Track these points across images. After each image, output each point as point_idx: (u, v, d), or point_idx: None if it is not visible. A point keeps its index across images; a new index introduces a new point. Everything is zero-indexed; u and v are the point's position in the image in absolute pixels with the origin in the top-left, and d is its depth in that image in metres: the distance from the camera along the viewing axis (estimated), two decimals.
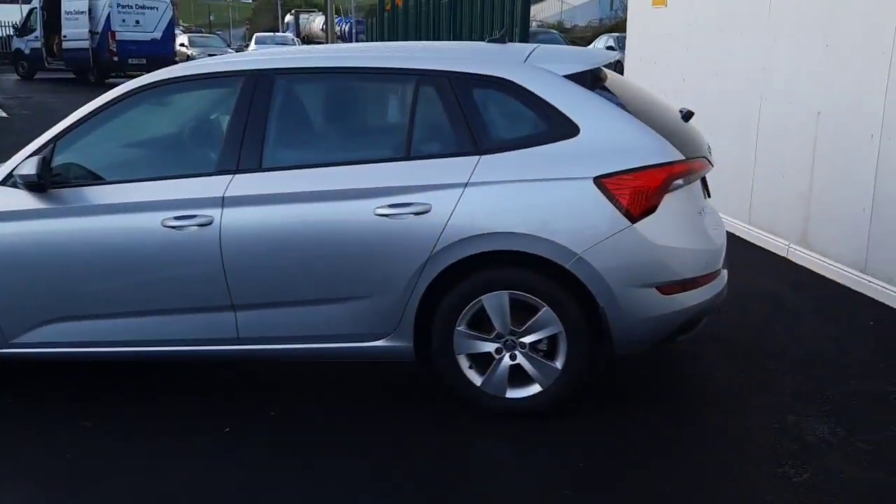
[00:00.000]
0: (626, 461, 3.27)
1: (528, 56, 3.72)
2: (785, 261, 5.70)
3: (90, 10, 22.48)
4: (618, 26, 27.80)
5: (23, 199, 3.66)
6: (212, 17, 73.99)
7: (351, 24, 38.52)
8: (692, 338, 4.05)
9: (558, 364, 3.52)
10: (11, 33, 26.61)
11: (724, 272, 3.81)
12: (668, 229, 3.44)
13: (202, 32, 43.28)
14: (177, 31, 32.21)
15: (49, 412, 3.79)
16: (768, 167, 5.94)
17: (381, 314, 3.56)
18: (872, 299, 4.87)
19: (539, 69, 3.59)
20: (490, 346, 3.56)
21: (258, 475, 3.22)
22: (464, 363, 3.61)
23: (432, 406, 3.72)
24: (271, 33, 30.51)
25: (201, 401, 3.87)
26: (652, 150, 3.43)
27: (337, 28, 38.10)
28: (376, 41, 16.12)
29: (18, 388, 4.02)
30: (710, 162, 3.76)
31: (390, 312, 3.54)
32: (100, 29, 22.36)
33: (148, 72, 4.70)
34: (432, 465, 3.28)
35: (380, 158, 3.58)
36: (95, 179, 3.75)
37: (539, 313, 3.47)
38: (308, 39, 43.95)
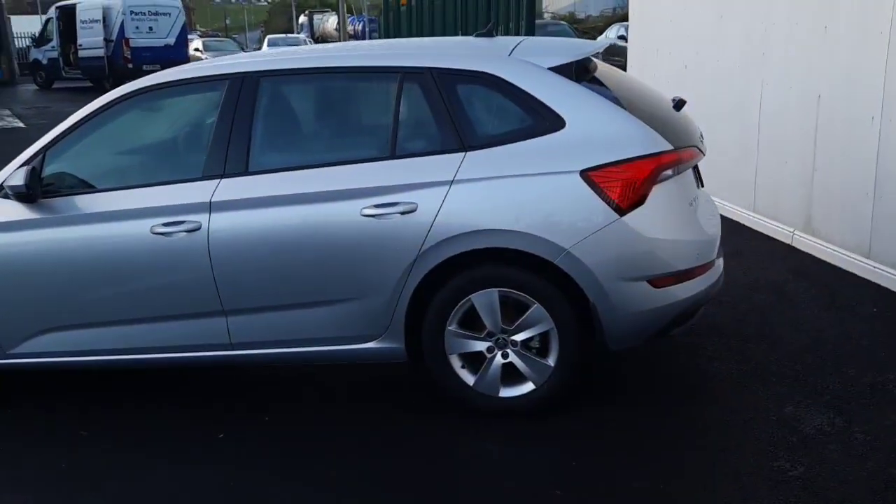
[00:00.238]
0: (620, 457, 3.23)
1: (512, 50, 3.68)
2: (789, 248, 5.62)
3: (104, 18, 22.68)
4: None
5: (14, 210, 3.68)
6: (228, 21, 74.45)
7: (364, 22, 38.53)
8: (690, 329, 4.02)
9: (550, 361, 3.49)
10: (29, 44, 26.90)
11: (720, 261, 3.75)
12: (658, 221, 3.39)
13: (218, 36, 43.49)
14: (192, 36, 32.44)
15: (47, 421, 3.82)
16: (770, 153, 5.85)
17: (371, 316, 3.54)
18: (877, 285, 4.78)
19: (523, 62, 3.55)
20: (481, 345, 3.53)
21: (251, 480, 3.22)
22: (456, 363, 3.58)
23: (425, 407, 3.70)
24: (283, 35, 30.58)
25: (195, 407, 3.88)
26: (639, 141, 3.38)
27: (350, 27, 38.16)
28: (389, 38, 16.15)
29: (19, 398, 4.04)
30: (701, 151, 3.71)
31: (380, 314, 3.52)
32: (114, 36, 22.54)
33: None
34: (424, 467, 3.27)
35: (365, 158, 3.56)
36: (85, 188, 3.76)
37: (529, 310, 3.44)
38: (323, 39, 44.00)
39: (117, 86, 3.95)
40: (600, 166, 3.33)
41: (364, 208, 3.42)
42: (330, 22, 45.94)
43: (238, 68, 3.72)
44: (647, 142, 3.38)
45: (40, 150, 3.74)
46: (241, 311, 3.63)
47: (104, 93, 3.90)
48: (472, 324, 3.52)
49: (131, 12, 22.64)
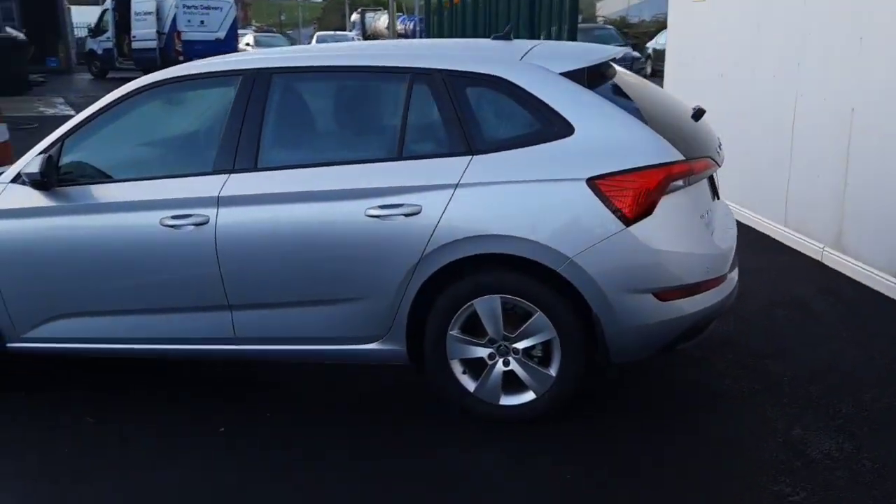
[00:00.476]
0: (618, 471, 3.16)
1: (525, 53, 3.63)
2: (818, 264, 5.46)
3: (157, 10, 23.10)
4: None
5: (31, 197, 3.73)
6: (282, 17, 75.27)
7: (415, 21, 38.59)
8: (702, 344, 3.93)
9: (552, 371, 3.43)
10: (86, 34, 27.52)
11: (733, 275, 3.65)
12: (666, 233, 3.30)
13: (272, 32, 43.99)
14: (245, 31, 32.84)
15: (57, 407, 3.87)
16: (803, 166, 5.69)
17: (373, 317, 3.51)
18: None
19: (534, 67, 3.50)
20: (483, 352, 3.49)
21: (244, 477, 3.22)
22: (457, 368, 3.54)
23: (426, 411, 3.67)
24: (333, 32, 30.80)
25: (201, 398, 3.90)
26: (649, 150, 3.30)
27: (401, 26, 38.24)
28: (435, 38, 16.21)
29: (33, 383, 4.11)
30: (716, 162, 3.61)
31: (382, 315, 3.50)
32: (166, 29, 22.96)
33: None
34: (421, 471, 3.23)
35: (373, 158, 3.54)
36: (100, 177, 3.81)
37: (532, 318, 3.38)
38: (374, 37, 44.22)
39: None
40: (607, 175, 3.26)
41: (369, 209, 3.40)
42: (381, 20, 46.12)
43: (251, 64, 3.73)
44: (657, 151, 3.30)
45: (58, 138, 3.79)
46: (245, 306, 3.64)
47: None
48: (474, 329, 3.47)
49: (184, 6, 23.03)
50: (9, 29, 19.71)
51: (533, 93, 3.41)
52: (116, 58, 24.58)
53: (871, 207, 4.94)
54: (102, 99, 3.83)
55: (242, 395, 3.94)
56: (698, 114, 3.91)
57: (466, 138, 3.41)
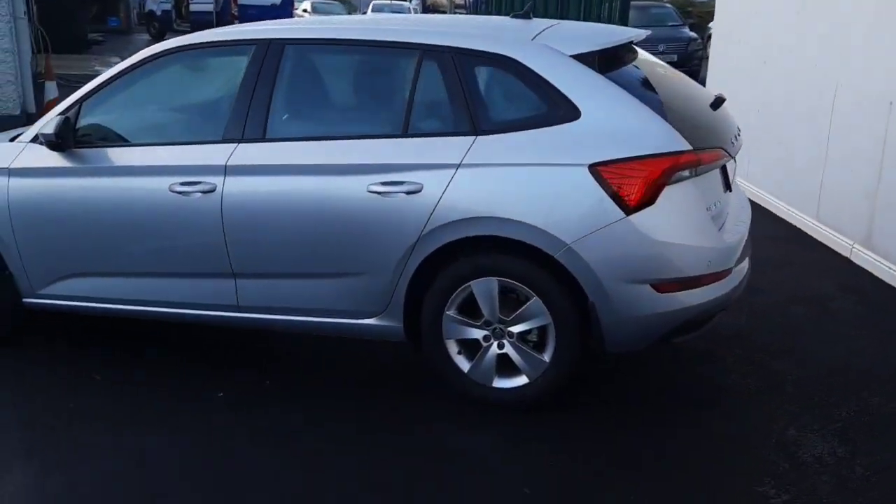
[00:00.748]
0: (599, 464, 3.14)
1: (538, 34, 3.57)
2: (847, 262, 5.30)
3: None
4: None
5: (48, 157, 3.81)
6: None
7: None
8: (709, 337, 3.87)
9: (546, 357, 3.40)
10: None
11: (740, 268, 3.55)
12: (668, 224, 3.24)
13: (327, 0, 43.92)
14: None
15: (70, 363, 3.98)
16: (839, 160, 5.51)
17: (371, 292, 3.53)
18: None
19: (544, 47, 3.44)
20: (478, 333, 3.48)
21: (234, 443, 3.28)
22: (452, 348, 3.54)
23: (425, 389, 3.68)
24: (389, 1, 30.65)
25: (204, 363, 3.98)
26: (655, 138, 3.23)
27: None
28: (492, 13, 16.06)
29: (51, 338, 4.24)
30: (729, 153, 3.51)
31: (381, 291, 3.51)
32: None
33: None
34: (417, 447, 3.25)
35: (379, 134, 3.53)
36: (115, 141, 3.87)
37: (528, 303, 3.36)
38: (433, 9, 43.91)
39: None
40: (610, 161, 3.20)
41: (371, 185, 3.40)
42: None
43: (265, 34, 3.74)
44: (663, 139, 3.22)
45: (76, 101, 3.86)
46: (249, 274, 3.68)
47: None
48: (471, 311, 3.46)
49: None
50: None
51: (541, 74, 3.35)
52: (174, 19, 24.88)
53: None
54: (121, 63, 3.88)
55: (244, 364, 4.00)
56: (717, 102, 3.81)
57: (472, 118, 3.38)
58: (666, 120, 3.27)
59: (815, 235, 5.79)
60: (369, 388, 3.74)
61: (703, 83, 8.15)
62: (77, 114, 3.83)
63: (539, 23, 3.86)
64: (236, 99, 3.67)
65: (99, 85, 3.87)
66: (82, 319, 4.22)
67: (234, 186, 3.58)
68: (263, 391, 3.71)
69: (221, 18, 23.07)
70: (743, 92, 6.99)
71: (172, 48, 3.83)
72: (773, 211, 6.45)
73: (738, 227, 3.67)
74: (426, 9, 42.30)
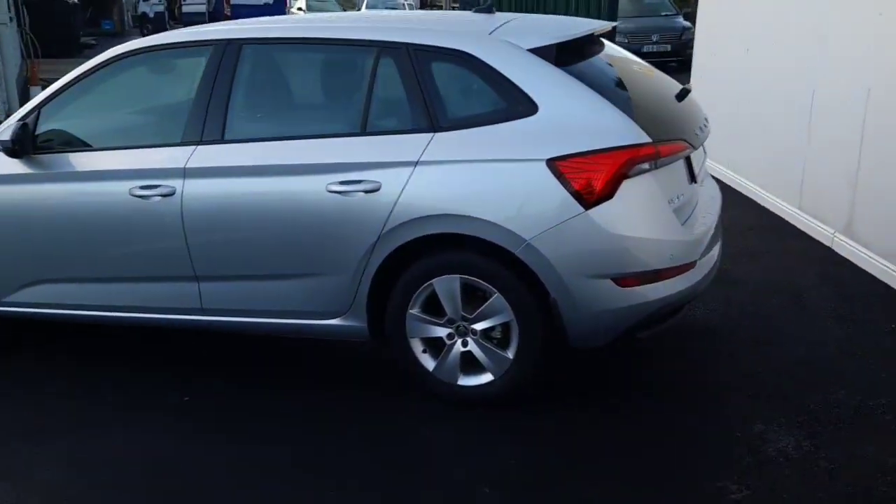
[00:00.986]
0: (561, 459, 3.11)
1: (496, 28, 3.53)
2: (828, 251, 5.23)
3: None
4: None
5: (7, 164, 3.78)
6: None
7: None
8: (681, 329, 3.84)
9: (510, 354, 3.37)
10: None
11: (707, 260, 3.51)
12: (628, 217, 3.20)
13: None
14: None
15: (37, 367, 3.97)
16: (820, 148, 5.45)
17: (334, 292, 3.50)
18: None
19: (502, 42, 3.40)
20: (442, 331, 3.45)
21: (201, 446, 3.26)
22: (417, 347, 3.51)
23: (388, 389, 3.65)
24: None
25: (171, 368, 3.95)
26: (613, 132, 3.19)
27: None
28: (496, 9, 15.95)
29: (24, 343, 4.23)
30: (691, 145, 3.45)
31: (343, 291, 3.48)
32: None
33: None
34: (373, 450, 3.22)
35: (338, 133, 3.49)
36: (74, 146, 3.84)
37: (490, 300, 3.32)
38: (431, 4, 43.78)
39: None
40: (568, 156, 3.16)
41: (330, 184, 3.37)
42: None
43: (223, 34, 3.70)
44: (622, 132, 3.18)
45: (35, 106, 3.83)
46: (212, 277, 3.65)
47: None
48: (434, 309, 3.43)
49: None
50: None
51: (498, 69, 3.31)
52: (167, 21, 24.87)
53: (882, 194, 4.71)
54: (79, 67, 3.85)
55: (212, 367, 3.97)
56: (682, 94, 3.77)
57: (429, 114, 3.34)
58: (625, 112, 3.23)
59: (797, 224, 5.73)
60: (333, 385, 3.71)
61: None
62: (36, 119, 3.79)
63: (499, 17, 3.81)
64: (194, 101, 3.64)
65: (58, 90, 3.84)
66: (44, 326, 4.20)
67: (194, 189, 3.55)
68: (227, 390, 3.68)
69: (214, 19, 23.05)
70: (727, 80, 6.93)
71: (130, 51, 3.80)
72: (758, 201, 6.39)
73: (705, 219, 3.62)
74: (424, 4, 42.19)
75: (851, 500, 2.79)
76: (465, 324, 3.41)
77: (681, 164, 3.49)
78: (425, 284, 3.39)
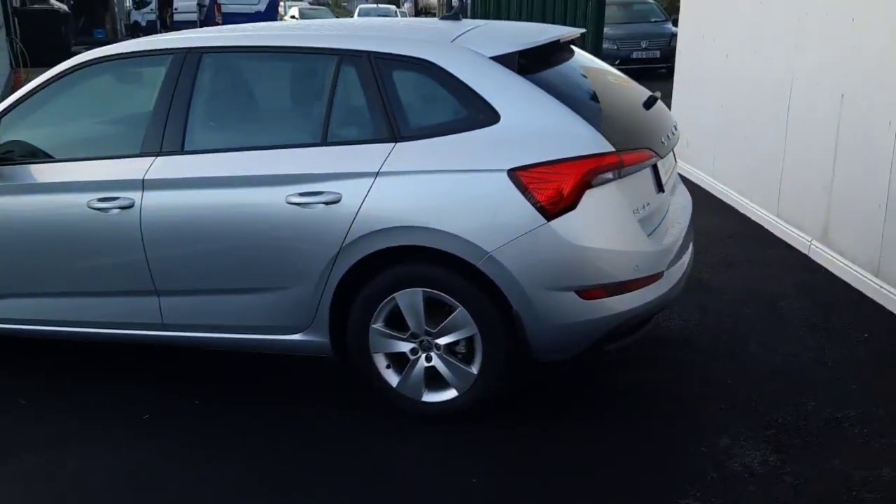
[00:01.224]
0: (524, 478, 3.04)
1: (458, 35, 3.47)
2: (805, 259, 5.19)
3: None
4: None
5: None
6: None
7: None
8: (651, 340, 3.78)
9: (474, 369, 3.31)
10: (129, 6, 27.88)
11: (675, 270, 3.44)
12: (590, 228, 3.14)
13: (317, 6, 43.83)
14: (295, 3, 32.83)
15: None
16: (796, 155, 5.41)
17: (296, 307, 3.43)
18: (881, 307, 4.35)
19: (464, 50, 3.35)
20: (405, 346, 3.39)
21: (160, 467, 3.19)
22: (381, 362, 3.44)
23: (356, 404, 3.58)
24: (375, 5, 30.58)
25: (130, 385, 3.87)
26: (575, 141, 3.13)
27: None
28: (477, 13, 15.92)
29: None
30: (657, 153, 3.40)
31: (305, 306, 3.41)
32: (207, 1, 23.10)
33: None
34: (341, 462, 3.16)
35: (298, 143, 3.43)
36: (35, 158, 3.78)
37: (454, 314, 3.26)
38: (426, 12, 43.84)
39: None
40: (529, 166, 3.10)
41: (289, 196, 3.31)
42: None
43: (183, 43, 3.65)
44: (584, 142, 3.13)
45: None
46: (172, 292, 3.59)
47: None
48: (398, 323, 3.37)
49: None
50: (52, 1, 19.99)
51: (459, 77, 3.26)
52: (159, 29, 24.87)
53: (855, 201, 4.67)
54: (38, 77, 3.79)
55: (173, 383, 3.90)
56: (650, 101, 3.72)
57: (391, 124, 3.29)
58: (589, 121, 3.18)
59: (775, 232, 5.69)
60: (297, 401, 3.64)
61: None
62: None
63: (465, 24, 3.77)
64: (154, 111, 3.59)
65: (17, 100, 3.79)
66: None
67: (153, 201, 3.49)
68: (191, 411, 3.61)
69: (206, 27, 23.06)
70: (708, 87, 6.89)
71: (90, 60, 3.74)
72: (738, 208, 6.34)
73: (674, 229, 3.57)
74: (418, 12, 42.26)
75: None
76: (428, 338, 3.34)
77: (647, 172, 3.43)
78: (388, 298, 3.33)
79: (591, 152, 3.11)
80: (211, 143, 3.59)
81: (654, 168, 3.49)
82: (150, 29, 25.29)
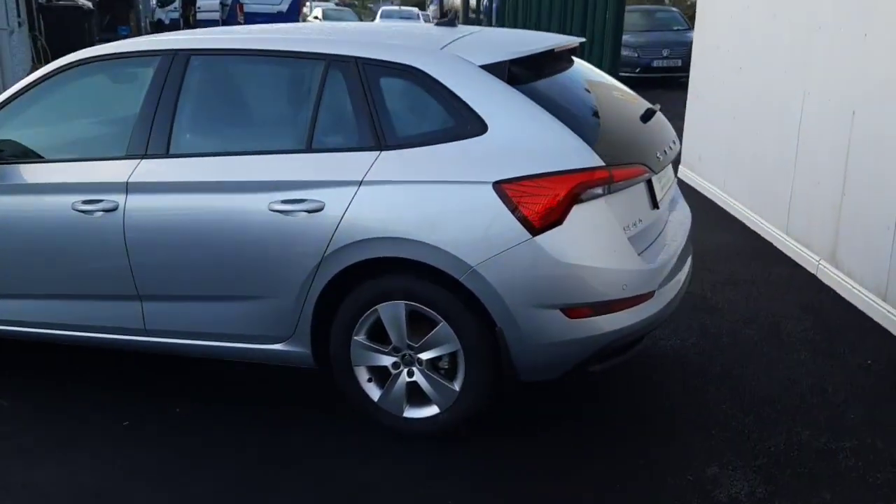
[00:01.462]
0: (500, 495, 2.93)
1: (449, 42, 3.38)
2: (813, 279, 5.04)
3: None
4: None
5: None
6: None
7: None
8: (619, 366, 3.63)
9: (456, 386, 3.21)
10: (154, 4, 28.07)
11: (669, 289, 3.32)
12: (577, 245, 3.03)
13: (341, 7, 43.90)
14: (320, 4, 32.89)
15: None
16: (806, 172, 5.26)
17: (277, 317, 3.36)
18: (887, 332, 4.20)
19: (453, 58, 3.25)
20: (387, 360, 3.30)
21: (146, 473, 3.13)
22: (362, 376, 3.36)
23: (337, 417, 3.49)
24: (398, 7, 30.60)
25: (110, 391, 3.80)
26: (564, 154, 3.03)
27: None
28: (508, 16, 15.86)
29: None
30: (651, 168, 3.28)
31: (286, 316, 3.34)
32: (230, 1, 23.16)
33: None
34: (304, 486, 3.07)
35: (283, 149, 3.36)
36: (20, 157, 3.72)
37: (436, 328, 3.16)
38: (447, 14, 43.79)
39: None
40: (516, 179, 3.00)
41: (272, 203, 3.23)
42: None
43: (171, 45, 3.59)
44: (573, 155, 3.02)
45: None
46: (155, 297, 3.53)
47: None
48: (381, 336, 3.28)
49: None
50: None
51: (447, 86, 3.17)
52: (182, 28, 25.00)
53: (864, 221, 4.52)
54: (26, 78, 3.75)
55: (155, 389, 3.83)
56: (648, 114, 3.61)
57: (377, 132, 3.20)
58: (580, 134, 3.07)
59: (784, 250, 5.54)
60: (279, 414, 3.56)
61: None
62: None
63: (459, 30, 3.67)
64: (140, 112, 3.53)
65: (7, 99, 3.74)
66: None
67: (136, 204, 3.43)
68: (173, 418, 3.54)
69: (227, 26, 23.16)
70: (721, 100, 6.76)
71: (77, 60, 3.69)
72: (748, 224, 6.20)
73: (669, 247, 3.45)
74: (443, 15, 42.18)
75: None
76: (411, 353, 3.25)
77: (641, 188, 3.32)
78: (370, 310, 3.24)
79: (579, 166, 3.01)
80: (196, 146, 3.52)
81: (649, 183, 3.38)
82: (173, 27, 25.45)
